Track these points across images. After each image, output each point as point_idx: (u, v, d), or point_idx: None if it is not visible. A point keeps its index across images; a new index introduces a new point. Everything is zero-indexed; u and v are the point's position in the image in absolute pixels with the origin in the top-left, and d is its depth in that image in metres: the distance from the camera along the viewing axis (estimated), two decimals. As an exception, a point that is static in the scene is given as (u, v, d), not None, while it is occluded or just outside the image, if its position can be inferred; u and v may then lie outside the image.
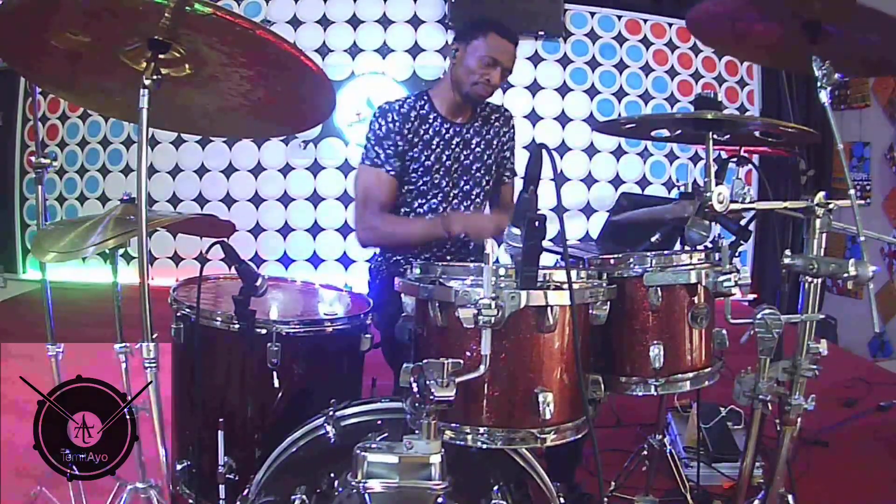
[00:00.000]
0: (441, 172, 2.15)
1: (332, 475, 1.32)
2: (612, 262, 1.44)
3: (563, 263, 1.24)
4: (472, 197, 2.21)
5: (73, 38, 1.16)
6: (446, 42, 5.19)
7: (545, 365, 1.21)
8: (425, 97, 2.19)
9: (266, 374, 1.54)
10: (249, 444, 1.56)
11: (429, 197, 2.14)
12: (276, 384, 1.55)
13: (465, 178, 2.18)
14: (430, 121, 2.15)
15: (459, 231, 1.99)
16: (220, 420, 1.49)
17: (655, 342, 1.38)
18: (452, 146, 2.17)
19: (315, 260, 5.39)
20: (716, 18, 1.63)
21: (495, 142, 2.26)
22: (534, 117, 5.37)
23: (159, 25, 1.12)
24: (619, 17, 5.45)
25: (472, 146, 2.21)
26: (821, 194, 1.41)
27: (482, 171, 2.22)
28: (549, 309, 1.18)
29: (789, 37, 1.49)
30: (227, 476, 1.50)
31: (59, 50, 1.19)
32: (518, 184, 2.29)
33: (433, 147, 2.14)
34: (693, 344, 1.42)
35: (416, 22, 5.34)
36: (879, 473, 2.57)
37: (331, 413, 1.39)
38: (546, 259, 1.25)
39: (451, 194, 2.16)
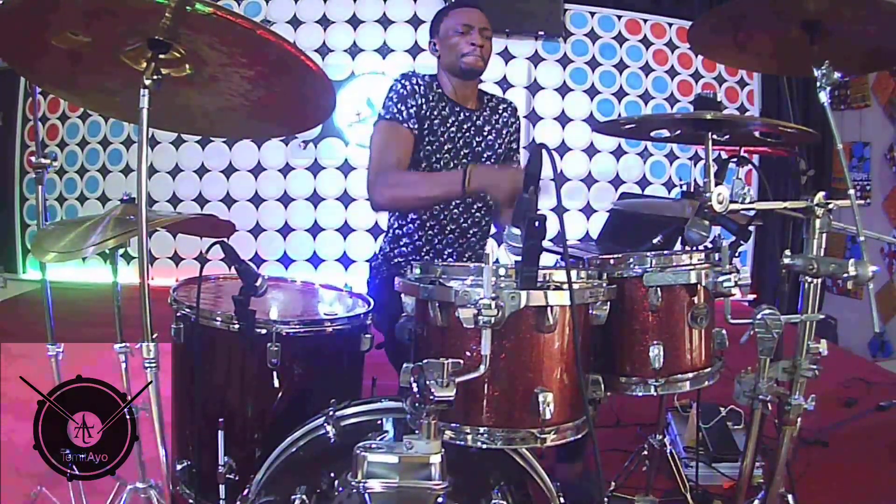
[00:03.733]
0: (451, 154, 2.14)
1: (332, 475, 1.32)
2: (612, 262, 1.43)
3: (563, 263, 1.24)
4: None
5: (73, 38, 1.16)
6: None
7: (545, 365, 1.21)
8: (437, 81, 2.19)
9: (266, 374, 1.54)
10: (249, 444, 1.56)
11: None
12: (276, 384, 1.55)
13: (474, 163, 2.18)
14: (446, 100, 2.15)
15: (477, 188, 1.81)
16: (220, 420, 1.49)
17: (655, 342, 1.38)
18: (463, 130, 2.17)
19: (315, 260, 5.39)
20: (717, 30, 1.63)
21: (504, 131, 2.26)
22: (534, 117, 5.37)
23: (160, 25, 1.12)
24: (619, 17, 5.46)
25: (485, 133, 2.20)
26: (821, 194, 1.41)
27: (492, 160, 2.22)
28: (549, 309, 1.18)
29: (789, 40, 1.49)
30: (227, 476, 1.50)
31: (59, 50, 1.19)
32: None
33: (447, 125, 2.14)
34: (693, 344, 1.42)
35: (416, 22, 5.35)
36: (879, 473, 2.57)
37: (331, 413, 1.39)
38: (546, 259, 1.25)
39: None
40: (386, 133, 2.07)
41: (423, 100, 2.09)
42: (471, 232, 2.23)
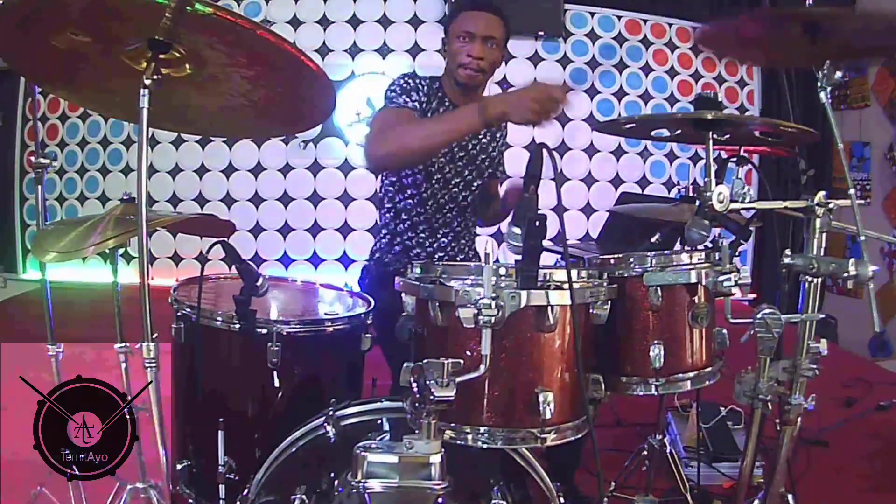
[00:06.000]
0: (446, 157, 2.13)
1: (332, 475, 1.32)
2: (612, 261, 1.43)
3: (563, 263, 1.24)
4: (473, 188, 2.20)
5: (73, 38, 1.16)
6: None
7: (545, 365, 1.21)
8: (438, 82, 2.17)
9: (266, 374, 1.54)
10: (249, 444, 1.56)
11: (432, 181, 2.13)
12: (276, 384, 1.55)
13: (469, 167, 2.17)
14: (445, 104, 2.14)
15: (497, 114, 1.72)
16: (220, 420, 1.49)
17: (656, 342, 1.38)
18: None
19: (315, 260, 5.39)
20: (722, 33, 1.64)
21: (498, 133, 2.26)
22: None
23: (160, 25, 1.12)
24: (619, 17, 5.45)
25: (479, 136, 2.20)
26: (821, 194, 1.41)
27: (486, 163, 2.22)
28: (549, 309, 1.18)
29: (790, 39, 1.49)
30: (227, 476, 1.50)
31: (59, 50, 1.19)
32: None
33: None
34: (693, 344, 1.42)
35: (416, 22, 5.34)
36: (879, 473, 2.57)
37: (331, 413, 1.40)
38: (546, 259, 1.25)
39: (453, 182, 2.15)
40: (390, 113, 2.03)
41: (425, 98, 2.08)
42: (440, 232, 2.21)
